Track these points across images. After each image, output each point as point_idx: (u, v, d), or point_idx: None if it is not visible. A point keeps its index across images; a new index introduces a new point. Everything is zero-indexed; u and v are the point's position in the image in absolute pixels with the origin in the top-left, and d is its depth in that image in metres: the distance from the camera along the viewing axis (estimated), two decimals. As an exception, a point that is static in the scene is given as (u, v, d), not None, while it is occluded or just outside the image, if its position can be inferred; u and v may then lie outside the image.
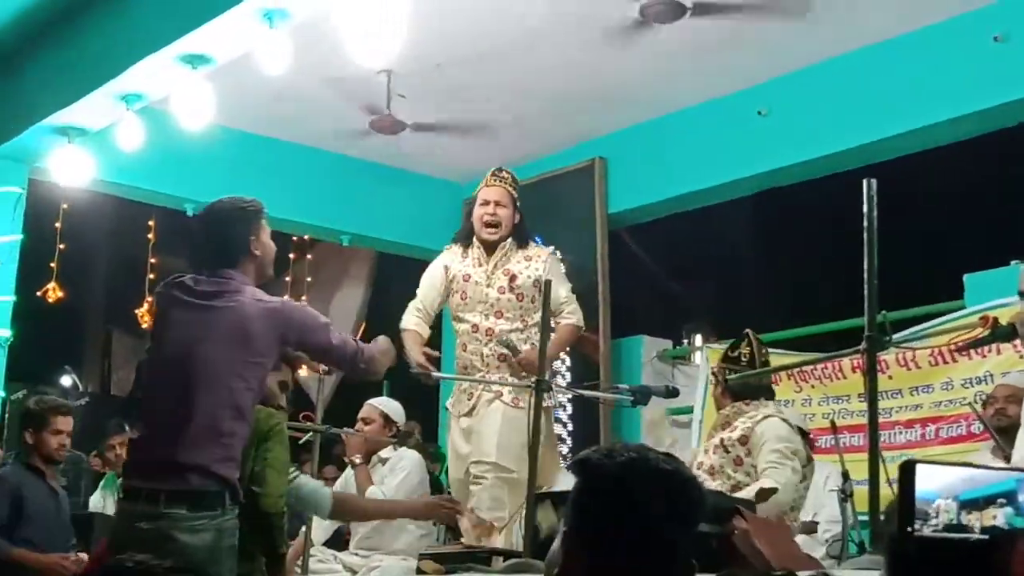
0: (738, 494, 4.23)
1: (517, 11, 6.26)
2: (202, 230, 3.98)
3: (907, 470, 1.69)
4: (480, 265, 5.47)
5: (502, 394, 5.28)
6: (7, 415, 7.88)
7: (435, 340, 7.67)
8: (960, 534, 1.68)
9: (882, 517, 3.35)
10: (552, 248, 5.56)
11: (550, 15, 6.30)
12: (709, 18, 6.19)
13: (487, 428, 5.27)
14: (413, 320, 5.55)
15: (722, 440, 4.49)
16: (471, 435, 5.37)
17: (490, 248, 5.47)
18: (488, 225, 5.42)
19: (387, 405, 6.23)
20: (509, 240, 5.44)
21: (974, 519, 1.70)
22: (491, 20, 6.37)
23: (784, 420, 4.57)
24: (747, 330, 4.85)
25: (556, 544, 1.98)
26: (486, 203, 5.45)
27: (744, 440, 4.45)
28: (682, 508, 1.92)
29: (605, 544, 1.88)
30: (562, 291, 5.40)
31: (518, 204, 5.50)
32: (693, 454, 4.85)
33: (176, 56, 5.93)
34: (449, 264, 5.59)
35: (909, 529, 1.65)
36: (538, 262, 5.42)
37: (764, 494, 4.17)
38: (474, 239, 5.52)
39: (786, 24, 6.29)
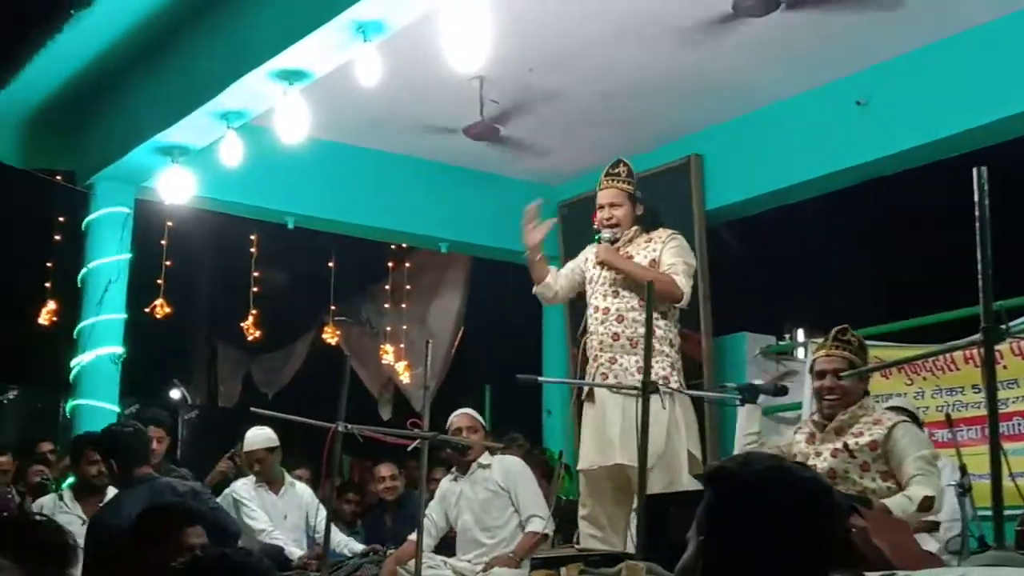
0: (896, 499, 4.14)
1: (605, 8, 6.24)
2: None
3: None
4: None
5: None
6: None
7: (537, 340, 7.72)
8: None
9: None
10: (673, 231, 5.54)
11: (638, 11, 6.27)
12: (802, 10, 6.12)
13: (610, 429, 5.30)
14: None
15: (846, 444, 4.38)
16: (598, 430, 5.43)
17: (615, 241, 5.54)
18: (607, 228, 5.48)
19: (478, 415, 6.29)
20: (634, 228, 5.51)
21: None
22: (579, 19, 6.36)
23: (913, 424, 4.47)
24: (846, 326, 4.69)
25: (690, 553, 1.96)
26: (601, 207, 5.54)
27: (874, 446, 4.33)
28: (821, 516, 1.89)
29: (746, 553, 1.86)
30: (669, 258, 5.40)
31: (636, 195, 5.53)
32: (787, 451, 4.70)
33: (273, 72, 6.04)
34: (587, 255, 5.72)
35: None
36: (657, 243, 5.48)
37: (927, 503, 4.09)
38: None
39: (881, 12, 6.18)
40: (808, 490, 1.90)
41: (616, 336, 5.36)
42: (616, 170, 5.55)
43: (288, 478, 6.88)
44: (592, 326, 5.48)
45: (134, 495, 4.73)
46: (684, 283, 5.33)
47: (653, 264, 5.37)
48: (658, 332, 5.26)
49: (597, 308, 5.47)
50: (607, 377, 5.32)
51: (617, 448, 5.22)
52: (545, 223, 5.64)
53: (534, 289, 5.76)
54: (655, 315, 5.26)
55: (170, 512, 3.75)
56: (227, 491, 7.13)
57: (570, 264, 5.77)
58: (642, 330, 5.23)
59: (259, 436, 6.71)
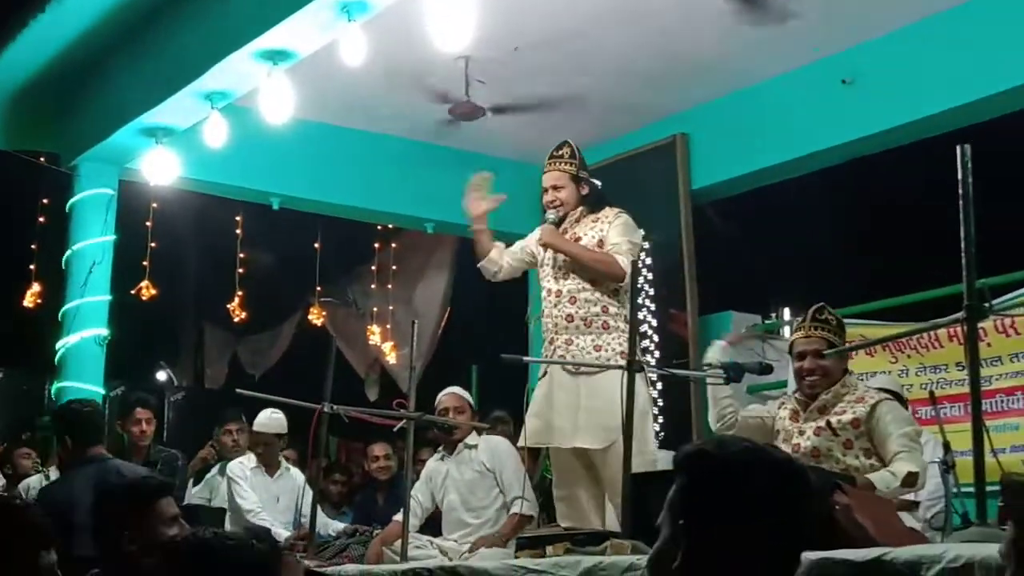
0: (880, 475, 4.15)
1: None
2: None
3: None
4: None
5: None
6: (107, 411, 8.05)
7: (523, 320, 7.73)
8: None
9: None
10: (619, 209, 5.50)
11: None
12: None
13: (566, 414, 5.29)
14: None
15: (828, 423, 4.39)
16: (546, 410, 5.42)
17: (561, 222, 5.52)
18: (551, 210, 5.50)
19: (466, 394, 6.29)
20: (579, 209, 5.48)
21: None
22: None
23: (897, 402, 4.48)
24: (823, 304, 4.69)
25: (664, 537, 1.93)
26: (545, 190, 5.53)
27: (857, 424, 4.34)
28: (797, 497, 1.90)
29: (723, 533, 1.86)
30: (614, 237, 5.36)
31: (581, 175, 5.51)
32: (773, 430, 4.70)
33: (258, 52, 6.02)
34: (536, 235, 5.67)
35: None
36: (604, 223, 5.45)
37: (911, 478, 4.10)
38: None
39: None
40: (783, 471, 1.91)
41: (570, 317, 5.34)
42: (559, 152, 5.52)
43: (284, 463, 6.92)
44: (546, 308, 5.46)
45: (83, 475, 4.71)
46: (626, 263, 5.22)
47: (601, 244, 5.35)
48: (611, 310, 5.29)
49: (550, 291, 5.45)
50: (564, 359, 5.31)
51: (576, 431, 5.22)
52: (494, 197, 5.60)
53: (478, 263, 5.72)
54: (607, 295, 5.32)
55: (141, 486, 3.72)
56: (214, 470, 7.19)
57: (520, 243, 5.71)
58: (595, 309, 5.32)
59: (273, 421, 6.76)
